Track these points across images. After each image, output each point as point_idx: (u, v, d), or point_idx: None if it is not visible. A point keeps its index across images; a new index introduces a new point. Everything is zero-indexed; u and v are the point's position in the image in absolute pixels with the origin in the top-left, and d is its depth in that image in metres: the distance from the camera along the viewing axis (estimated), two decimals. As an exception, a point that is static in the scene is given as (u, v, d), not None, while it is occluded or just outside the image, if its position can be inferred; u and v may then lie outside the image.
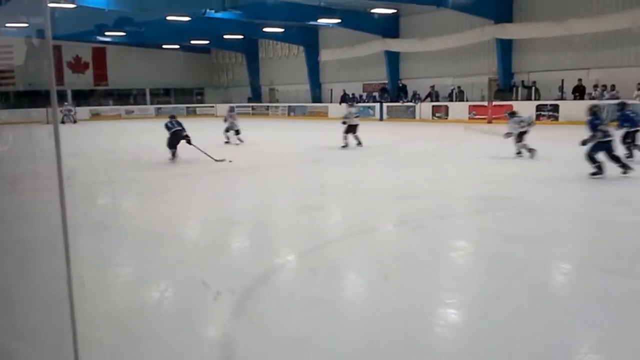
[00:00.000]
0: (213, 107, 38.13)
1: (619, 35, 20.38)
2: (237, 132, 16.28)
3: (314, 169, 11.71)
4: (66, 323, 2.24)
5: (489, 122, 23.14)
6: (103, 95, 37.64)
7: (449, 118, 25.23)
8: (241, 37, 33.94)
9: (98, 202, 8.95)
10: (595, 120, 8.93)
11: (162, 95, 40.75)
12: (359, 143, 14.35)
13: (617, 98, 19.18)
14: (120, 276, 5.12)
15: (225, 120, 16.83)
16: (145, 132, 22.33)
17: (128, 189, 9.95)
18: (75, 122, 28.22)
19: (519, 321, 3.75)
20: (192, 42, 35.49)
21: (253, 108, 36.00)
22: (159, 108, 37.21)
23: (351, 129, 14.36)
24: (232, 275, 4.80)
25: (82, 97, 35.14)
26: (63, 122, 27.17)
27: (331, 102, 32.18)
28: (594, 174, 8.89)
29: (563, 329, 3.63)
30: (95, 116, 34.41)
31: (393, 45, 28.30)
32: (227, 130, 16.59)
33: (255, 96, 38.12)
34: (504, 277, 4.63)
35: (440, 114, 25.75)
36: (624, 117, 10.99)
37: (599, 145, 8.79)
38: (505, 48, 24.19)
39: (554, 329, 3.61)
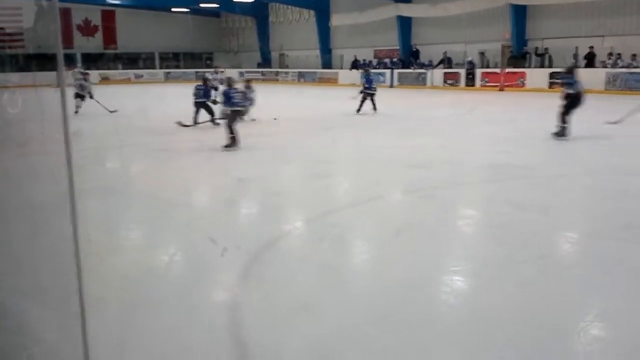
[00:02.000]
0: (223, 71, 37.88)
1: (635, 2, 19.96)
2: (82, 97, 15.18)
3: (324, 136, 11.66)
4: (74, 283, 2.26)
5: (501, 89, 22.91)
6: (112, 59, 37.46)
7: (461, 85, 24.97)
8: (251, 0, 33.52)
9: (108, 166, 9.00)
10: (230, 92, 9.94)
11: (171, 59, 40.50)
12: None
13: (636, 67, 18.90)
14: (129, 239, 5.16)
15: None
16: (155, 97, 22.30)
17: (138, 153, 9.96)
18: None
19: (525, 289, 3.75)
20: (202, 5, 35.05)
21: (263, 74, 35.76)
22: (168, 73, 37.03)
23: None
24: (241, 240, 4.82)
25: (91, 61, 35.00)
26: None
27: (341, 68, 31.88)
28: (227, 146, 9.64)
29: (569, 297, 3.63)
30: (104, 80, 34.28)
31: (405, 10, 27.87)
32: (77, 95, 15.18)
33: (265, 61, 37.81)
34: (511, 246, 4.63)
35: (452, 81, 25.45)
36: (367, 80, 15.27)
37: (236, 113, 9.95)
38: (519, 14, 23.78)
39: (560, 297, 3.61)
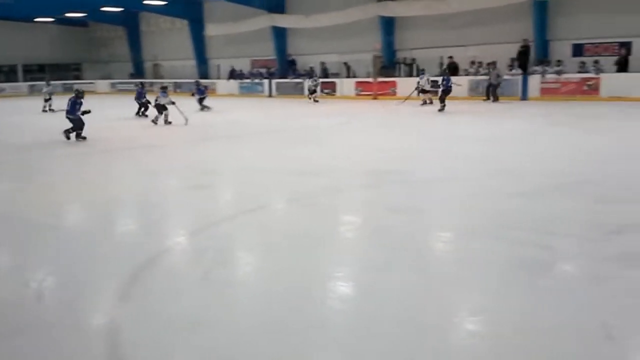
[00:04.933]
0: (93, 83, 36.27)
1: (494, 12, 21.50)
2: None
3: (204, 147, 11.49)
4: None
5: (375, 98, 23.78)
6: (-32, 72, 34.67)
7: (338, 94, 25.63)
8: (121, 9, 32.35)
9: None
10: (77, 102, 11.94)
11: (36, 71, 38.01)
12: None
13: (498, 75, 20.38)
14: (-7, 266, 4.78)
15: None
16: (17, 111, 20.96)
17: (3, 172, 9.27)
18: None
19: (405, 290, 3.90)
20: (68, 15, 33.32)
21: (136, 85, 34.60)
22: (32, 85, 34.78)
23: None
24: (118, 259, 4.62)
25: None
26: None
27: (219, 78, 31.65)
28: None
29: (446, 295, 3.81)
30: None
31: (279, 20, 28.18)
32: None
33: (138, 72, 36.65)
34: (391, 248, 4.79)
35: (328, 90, 26.05)
36: (198, 89, 20.52)
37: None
38: (388, 26, 24.84)
39: (437, 296, 3.79)
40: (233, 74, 30.35)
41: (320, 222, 5.78)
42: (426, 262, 4.50)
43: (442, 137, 12.02)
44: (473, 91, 21.24)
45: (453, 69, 22.41)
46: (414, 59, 24.27)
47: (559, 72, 19.52)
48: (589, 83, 19.05)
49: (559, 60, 19.99)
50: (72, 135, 12.00)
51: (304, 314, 3.56)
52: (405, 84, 23.39)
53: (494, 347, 3.13)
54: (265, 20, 28.31)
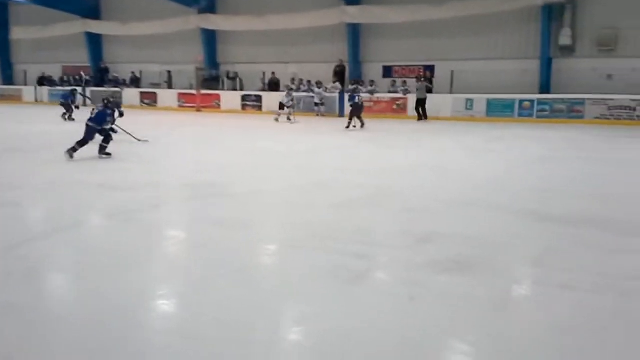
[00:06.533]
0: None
1: (312, 32, 22.50)
2: None
3: (3, 161, 10.49)
4: None
5: (198, 110, 23.53)
6: None
7: (158, 105, 24.97)
8: None
9: None
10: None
11: None
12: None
13: (311, 91, 21.30)
14: None
15: None
16: None
17: None
18: None
19: (229, 304, 3.88)
20: None
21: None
22: None
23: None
24: None
25: None
26: None
27: (26, 84, 29.21)
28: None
29: (269, 306, 3.86)
30: None
31: (94, 26, 26.89)
32: None
33: None
34: (214, 263, 4.76)
35: (148, 100, 25.26)
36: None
37: None
38: (210, 38, 24.84)
39: (261, 307, 3.83)
40: (42, 81, 28.18)
41: (140, 239, 5.56)
42: (249, 276, 4.53)
43: (260, 150, 12.24)
44: (295, 107, 21.88)
45: (274, 84, 23.04)
46: (236, 73, 24.48)
47: (371, 92, 20.88)
48: (397, 103, 20.64)
49: (372, 81, 21.39)
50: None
51: (123, 337, 3.40)
52: (230, 97, 23.52)
53: (317, 357, 3.24)
54: (78, 26, 26.84)
